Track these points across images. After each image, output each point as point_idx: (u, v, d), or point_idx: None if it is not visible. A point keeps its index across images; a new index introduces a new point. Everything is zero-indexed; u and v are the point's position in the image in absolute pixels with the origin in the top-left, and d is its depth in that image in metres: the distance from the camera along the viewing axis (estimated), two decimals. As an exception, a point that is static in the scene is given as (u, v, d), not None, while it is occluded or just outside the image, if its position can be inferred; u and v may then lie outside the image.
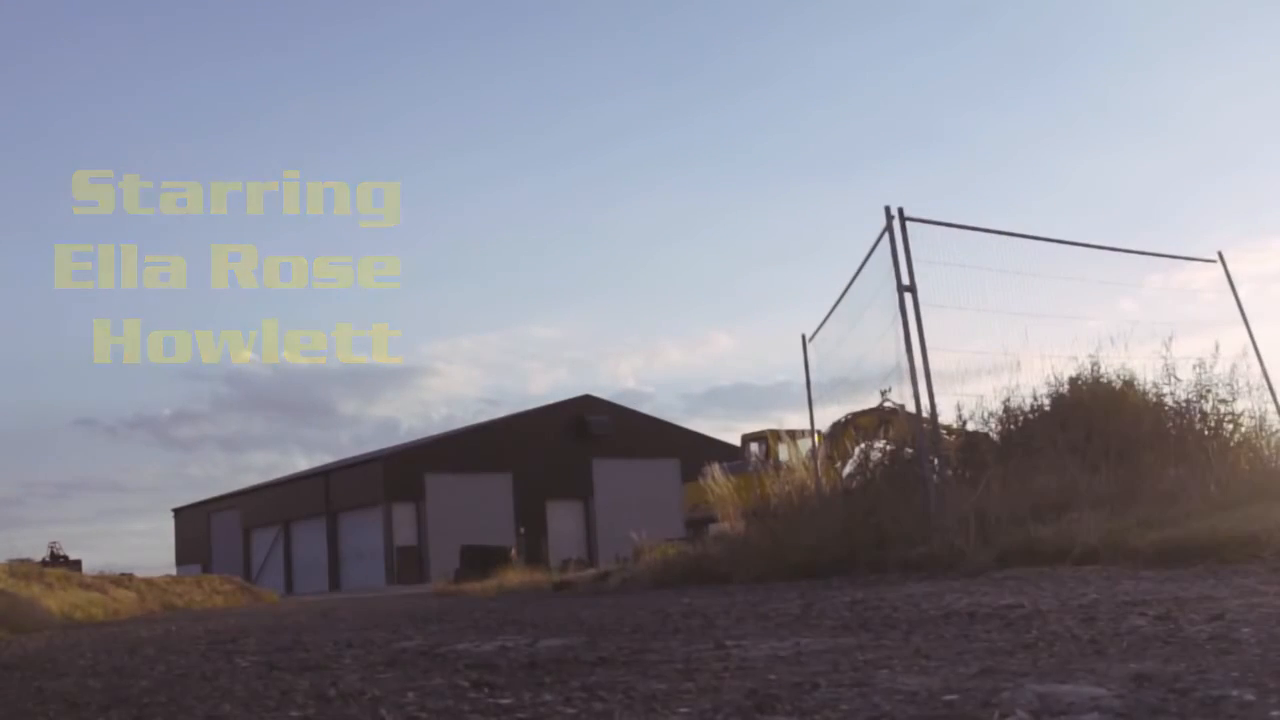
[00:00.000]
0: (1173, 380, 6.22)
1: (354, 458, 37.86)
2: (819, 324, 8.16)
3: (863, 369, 7.05)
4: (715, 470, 9.32)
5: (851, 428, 8.24)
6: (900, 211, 5.85)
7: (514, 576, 11.32)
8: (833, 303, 7.60)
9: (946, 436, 6.17)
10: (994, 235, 6.35)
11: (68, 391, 64.65)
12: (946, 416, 6.27)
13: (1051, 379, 6.39)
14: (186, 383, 68.67)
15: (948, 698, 1.38)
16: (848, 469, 7.86)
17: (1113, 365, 6.32)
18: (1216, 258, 7.25)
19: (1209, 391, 6.15)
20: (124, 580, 12.24)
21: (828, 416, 8.59)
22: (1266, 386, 6.61)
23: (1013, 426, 6.46)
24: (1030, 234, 6.58)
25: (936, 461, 5.76)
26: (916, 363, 5.64)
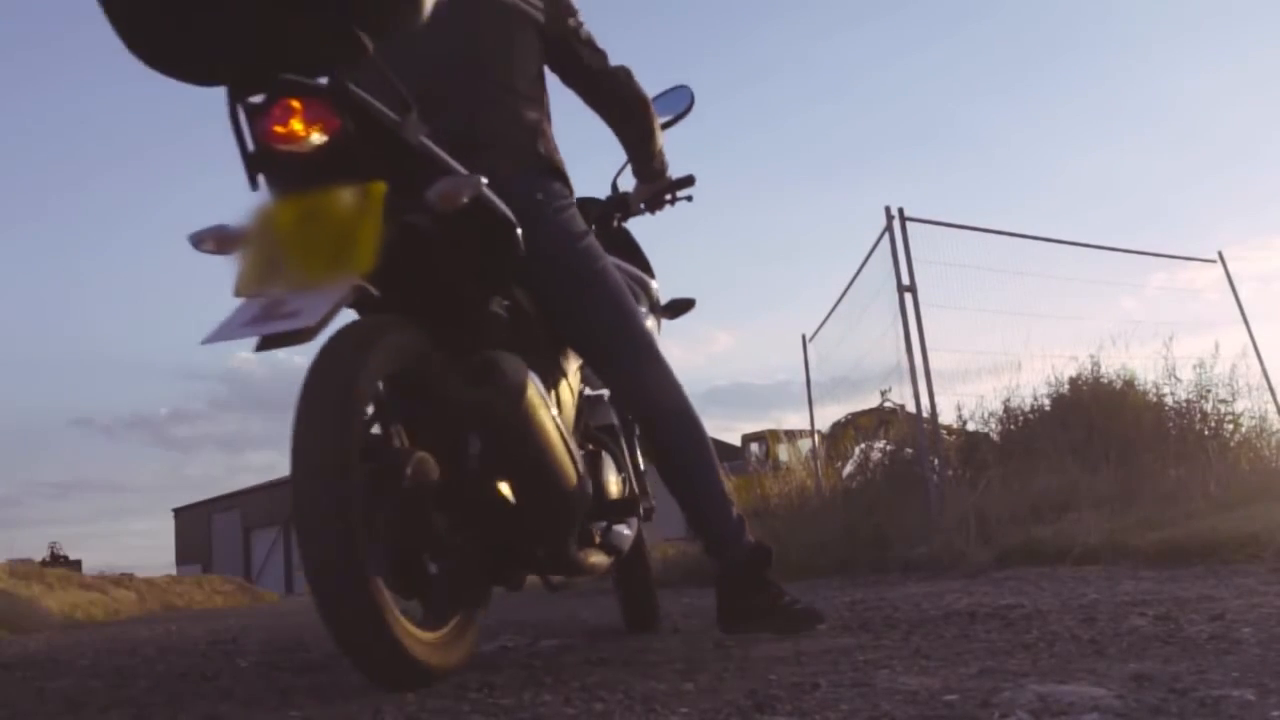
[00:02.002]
0: (1173, 380, 6.23)
1: (354, 458, 37.85)
2: (819, 324, 8.18)
3: (863, 369, 7.08)
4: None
5: (851, 428, 8.25)
6: (900, 211, 5.86)
7: (514, 576, 11.28)
8: (833, 303, 7.62)
9: (946, 436, 6.17)
10: (994, 235, 6.37)
11: (63, 391, 64.69)
12: (946, 416, 6.28)
13: (1052, 379, 6.41)
14: (182, 382, 68.63)
15: (948, 698, 1.38)
16: (848, 469, 7.87)
17: (1113, 365, 6.34)
18: (1217, 258, 7.26)
19: (1209, 391, 6.16)
20: (124, 580, 12.24)
21: (828, 416, 8.61)
22: (1267, 386, 6.62)
23: (1013, 426, 6.46)
24: (1030, 234, 6.61)
25: (936, 461, 5.76)
26: (916, 363, 5.65)
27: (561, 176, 2.30)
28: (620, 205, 2.73)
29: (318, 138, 1.64)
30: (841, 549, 5.52)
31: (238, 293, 1.60)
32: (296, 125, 1.64)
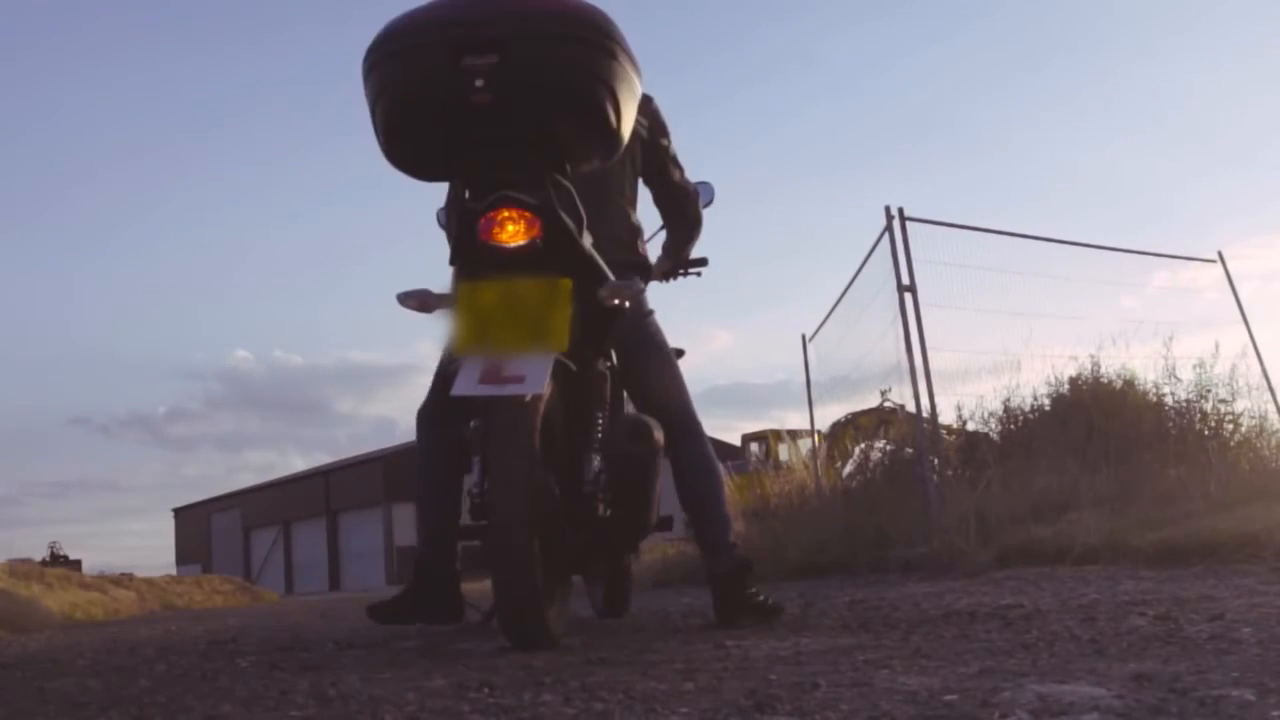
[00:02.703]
0: (1173, 380, 6.22)
1: (354, 457, 37.87)
2: (819, 324, 8.18)
3: (863, 369, 7.07)
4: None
5: (851, 428, 8.25)
6: (900, 211, 5.85)
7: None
8: (833, 302, 7.62)
9: (946, 436, 6.17)
10: (994, 235, 6.36)
11: (59, 390, 64.63)
12: (946, 416, 6.27)
13: (1052, 379, 6.40)
14: (179, 381, 68.64)
15: (948, 698, 1.38)
16: (848, 469, 7.86)
17: (1113, 365, 6.33)
18: (1217, 258, 7.25)
19: (1209, 391, 6.15)
20: (124, 580, 12.24)
21: (828, 416, 8.61)
22: (1266, 386, 6.61)
23: (1013, 426, 6.46)
24: (1030, 234, 6.60)
25: (936, 461, 5.76)
26: (916, 363, 5.64)
27: (647, 270, 3.02)
28: (644, 270, 3.29)
29: (522, 240, 2.19)
30: (841, 549, 5.52)
31: (455, 351, 2.21)
32: (510, 229, 2.18)
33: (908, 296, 5.71)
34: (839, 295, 7.40)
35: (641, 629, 2.92)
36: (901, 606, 3.02)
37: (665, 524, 2.91)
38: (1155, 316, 6.72)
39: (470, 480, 2.42)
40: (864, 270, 6.61)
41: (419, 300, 2.30)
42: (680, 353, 3.46)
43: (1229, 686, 1.33)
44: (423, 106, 2.16)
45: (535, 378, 2.09)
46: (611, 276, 2.40)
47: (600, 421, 2.53)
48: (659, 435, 2.52)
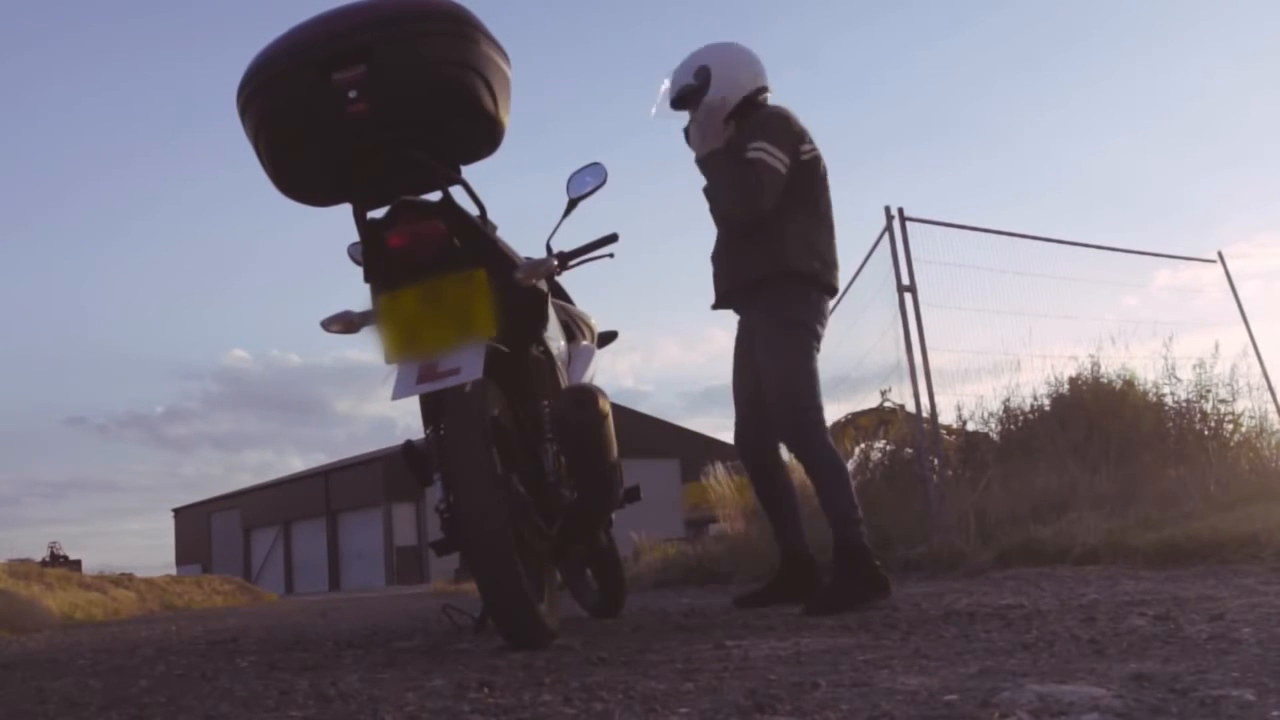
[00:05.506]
0: (1173, 380, 6.22)
1: (354, 458, 37.86)
2: (819, 324, 8.15)
3: (863, 369, 7.06)
4: (719, 469, 9.33)
5: (851, 428, 8.24)
6: (900, 211, 5.85)
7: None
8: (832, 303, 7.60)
9: (946, 436, 6.16)
10: (994, 235, 6.35)
11: (56, 389, 64.66)
12: (946, 416, 6.27)
13: (1051, 379, 6.40)
14: (176, 381, 68.66)
15: (948, 698, 1.38)
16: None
17: (1113, 365, 6.33)
18: (1216, 258, 7.25)
19: (1209, 391, 6.15)
20: (124, 580, 12.25)
21: (828, 416, 8.59)
22: (1266, 386, 6.61)
23: (1013, 426, 6.45)
24: (1030, 234, 6.59)
25: (936, 461, 5.76)
26: (916, 362, 5.64)
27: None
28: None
29: (429, 242, 2.20)
30: (841, 549, 5.50)
31: (389, 360, 2.19)
32: (415, 232, 2.20)
33: (908, 296, 5.71)
34: (839, 295, 7.39)
35: (641, 629, 2.91)
36: (901, 606, 3.02)
37: (632, 495, 2.92)
38: (1156, 316, 6.72)
39: (436, 497, 2.37)
40: (864, 270, 6.61)
41: (343, 323, 2.33)
42: (613, 335, 3.49)
43: (1229, 686, 1.33)
44: (304, 130, 2.13)
45: (471, 366, 2.10)
46: (521, 259, 2.39)
47: (548, 407, 2.51)
48: (604, 402, 2.50)
